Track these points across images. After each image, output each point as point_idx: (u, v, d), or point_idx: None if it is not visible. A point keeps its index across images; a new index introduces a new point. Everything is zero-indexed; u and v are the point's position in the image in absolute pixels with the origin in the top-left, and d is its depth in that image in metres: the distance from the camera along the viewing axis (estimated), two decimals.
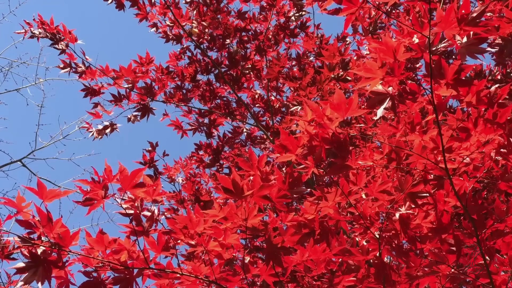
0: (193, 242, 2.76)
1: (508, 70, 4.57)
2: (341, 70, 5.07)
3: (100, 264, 2.63)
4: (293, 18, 6.14)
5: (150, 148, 6.23)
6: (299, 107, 5.12)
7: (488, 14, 2.97)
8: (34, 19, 5.39)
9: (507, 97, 2.57)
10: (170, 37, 6.20)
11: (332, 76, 5.04)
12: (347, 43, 6.04)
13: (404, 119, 2.73)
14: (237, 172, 2.58)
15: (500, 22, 2.87)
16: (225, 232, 2.72)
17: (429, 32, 2.36)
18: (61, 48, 5.40)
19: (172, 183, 6.41)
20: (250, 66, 6.22)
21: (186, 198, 5.83)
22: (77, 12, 16.89)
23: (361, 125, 3.83)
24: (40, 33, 5.36)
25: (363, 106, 4.62)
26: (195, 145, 6.51)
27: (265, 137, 6.47)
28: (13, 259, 2.62)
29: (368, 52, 4.55)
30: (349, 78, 5.04)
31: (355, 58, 5.03)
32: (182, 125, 6.38)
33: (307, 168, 2.62)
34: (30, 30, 5.37)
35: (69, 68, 5.50)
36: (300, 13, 6.13)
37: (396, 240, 2.82)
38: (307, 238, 2.83)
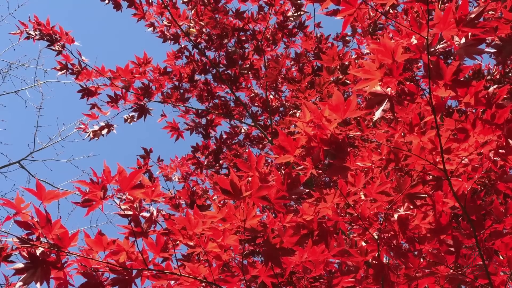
0: (192, 243, 2.76)
1: (507, 70, 4.57)
2: (340, 73, 5.06)
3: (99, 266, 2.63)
4: (291, 18, 6.13)
5: (144, 154, 6.22)
6: (298, 112, 5.12)
7: (490, 12, 2.97)
8: (29, 20, 5.38)
9: (506, 97, 2.57)
10: (168, 37, 6.19)
11: (332, 79, 5.03)
12: (347, 42, 6.04)
13: (403, 120, 2.73)
14: (236, 173, 2.57)
15: (499, 23, 2.87)
16: (223, 233, 2.72)
17: (427, 33, 2.36)
18: (57, 49, 5.38)
19: (168, 181, 6.41)
20: (248, 65, 6.21)
21: (181, 203, 5.80)
22: (75, 12, 16.87)
23: (357, 133, 3.83)
24: (36, 34, 5.34)
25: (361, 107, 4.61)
26: (192, 148, 6.47)
27: (263, 136, 6.46)
28: (11, 261, 2.61)
29: (368, 51, 4.54)
30: (348, 82, 5.03)
31: (354, 56, 5.02)
32: (178, 127, 6.34)
33: (306, 169, 2.61)
34: (26, 31, 5.34)
35: (65, 70, 5.49)
36: (299, 12, 6.11)
37: (395, 241, 2.83)
38: (306, 239, 2.83)
